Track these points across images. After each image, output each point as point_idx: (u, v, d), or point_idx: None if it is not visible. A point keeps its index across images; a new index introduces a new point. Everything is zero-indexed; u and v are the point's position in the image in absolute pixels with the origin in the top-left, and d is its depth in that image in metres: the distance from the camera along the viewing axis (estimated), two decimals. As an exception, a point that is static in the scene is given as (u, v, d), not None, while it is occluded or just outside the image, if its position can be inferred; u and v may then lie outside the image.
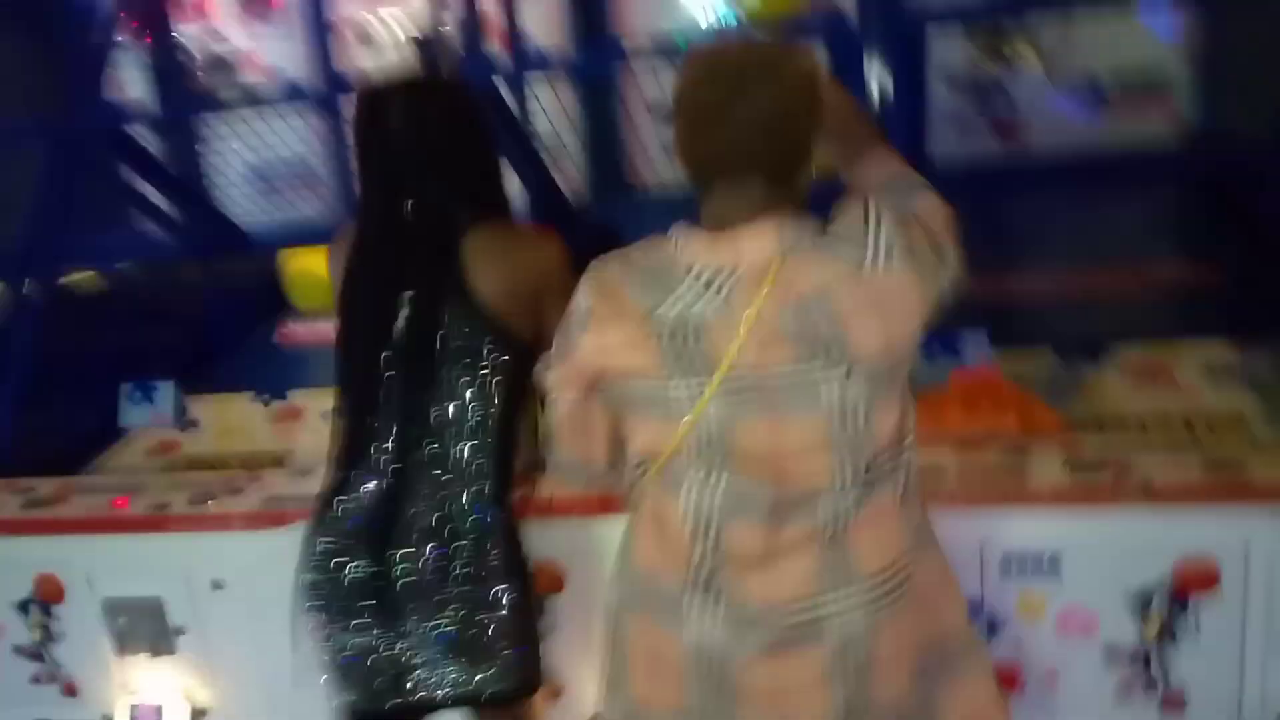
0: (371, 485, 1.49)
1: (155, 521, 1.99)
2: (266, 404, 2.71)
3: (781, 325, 1.16)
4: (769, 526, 1.21)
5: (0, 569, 2.05)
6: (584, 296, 1.27)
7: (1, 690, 2.11)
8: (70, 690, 2.11)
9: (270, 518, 1.90)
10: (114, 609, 2.01)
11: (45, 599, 2.04)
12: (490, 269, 1.49)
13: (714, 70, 1.21)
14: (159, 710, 2.04)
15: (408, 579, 1.48)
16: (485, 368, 1.49)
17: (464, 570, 1.49)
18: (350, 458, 1.51)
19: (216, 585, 1.96)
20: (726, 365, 1.17)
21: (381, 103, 1.54)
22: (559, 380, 1.30)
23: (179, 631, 2.01)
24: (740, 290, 1.18)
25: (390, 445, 1.49)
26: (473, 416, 1.49)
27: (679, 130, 1.23)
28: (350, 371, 1.56)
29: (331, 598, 1.50)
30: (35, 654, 2.08)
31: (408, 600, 1.49)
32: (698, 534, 1.23)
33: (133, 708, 2.06)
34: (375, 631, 1.50)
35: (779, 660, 1.22)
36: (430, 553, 1.48)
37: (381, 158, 1.54)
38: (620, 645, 1.35)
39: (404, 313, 1.50)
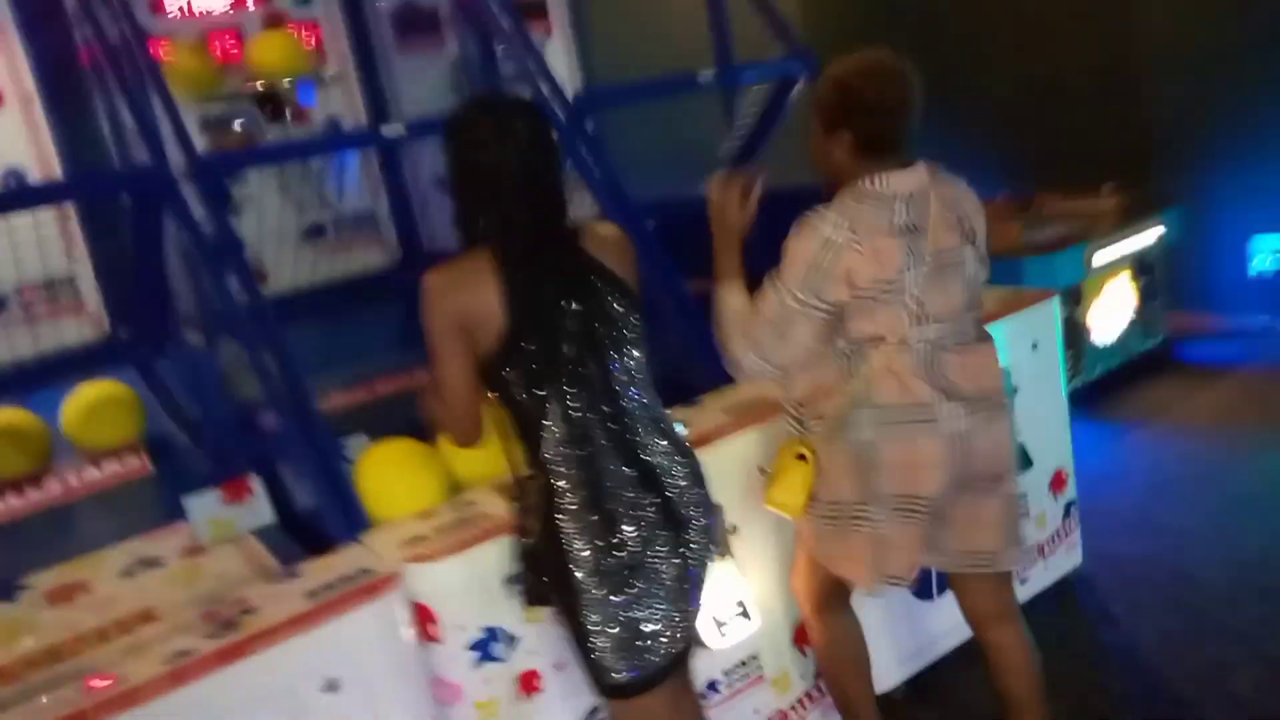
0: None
1: None
2: None
3: (945, 221, 1.91)
4: (961, 348, 1.94)
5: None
6: (827, 232, 1.85)
7: None
8: None
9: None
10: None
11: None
12: (614, 259, 1.77)
13: (893, 74, 1.89)
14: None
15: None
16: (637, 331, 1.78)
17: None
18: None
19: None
20: (933, 249, 1.88)
21: (509, 123, 1.68)
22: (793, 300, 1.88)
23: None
24: (923, 203, 1.89)
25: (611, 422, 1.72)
26: (642, 371, 1.78)
27: (866, 116, 1.88)
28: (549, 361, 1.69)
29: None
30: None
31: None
32: (931, 365, 1.90)
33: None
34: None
35: (994, 425, 1.97)
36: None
37: (528, 177, 1.69)
38: (875, 464, 1.92)
39: (582, 300, 1.71)
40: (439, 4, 4.26)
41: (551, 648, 2.00)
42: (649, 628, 1.71)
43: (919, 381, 1.90)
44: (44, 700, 1.65)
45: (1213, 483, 3.51)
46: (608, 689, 1.75)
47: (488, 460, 2.06)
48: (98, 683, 1.67)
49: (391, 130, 3.00)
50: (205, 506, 2.40)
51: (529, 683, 2.00)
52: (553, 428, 1.69)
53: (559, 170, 1.75)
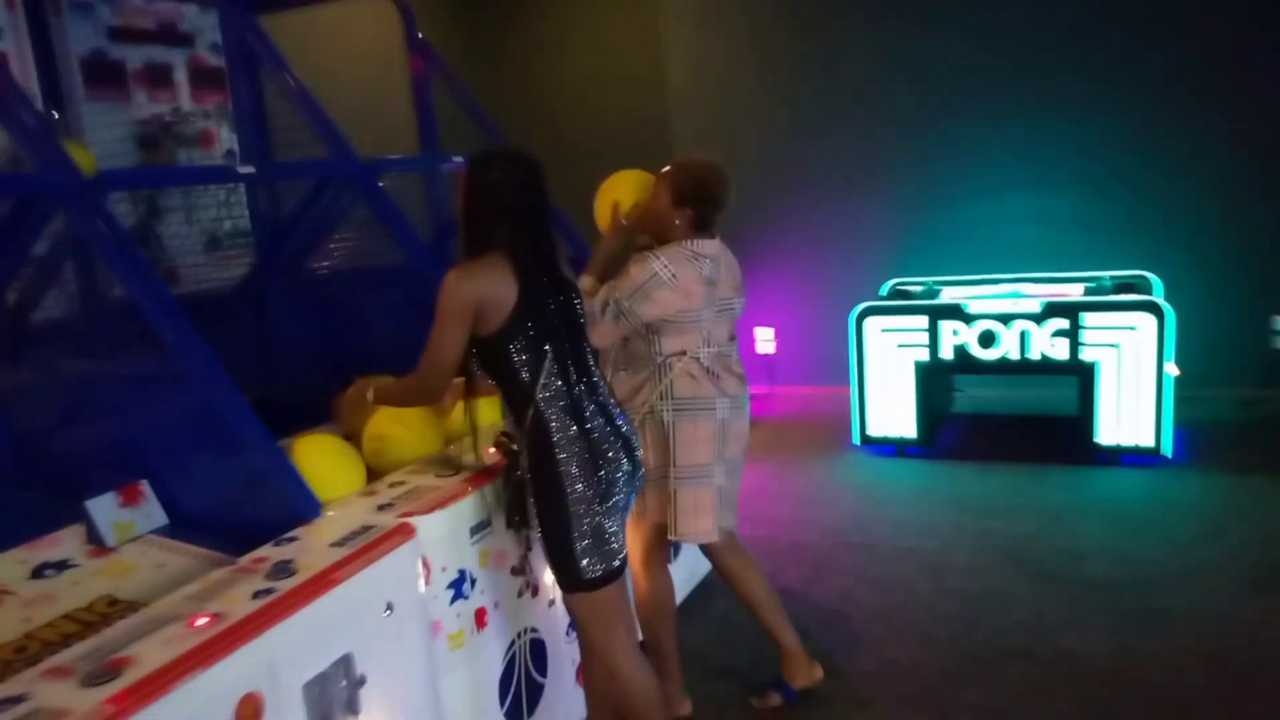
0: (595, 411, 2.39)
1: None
2: None
3: (729, 279, 2.90)
4: (729, 364, 2.92)
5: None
6: (656, 268, 2.75)
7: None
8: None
9: None
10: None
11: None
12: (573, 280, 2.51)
13: (728, 180, 2.87)
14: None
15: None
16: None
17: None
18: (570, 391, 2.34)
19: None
20: (720, 296, 2.85)
21: (535, 170, 2.36)
22: (617, 306, 2.76)
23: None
24: (718, 265, 2.85)
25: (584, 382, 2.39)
26: (594, 358, 2.50)
27: (707, 203, 2.84)
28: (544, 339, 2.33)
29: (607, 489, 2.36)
30: None
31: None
32: (711, 371, 2.84)
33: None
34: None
35: (742, 417, 2.96)
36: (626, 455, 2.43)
37: (532, 208, 2.34)
38: (681, 437, 2.84)
39: (562, 299, 2.40)
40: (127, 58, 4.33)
41: (494, 588, 2.54)
42: (611, 534, 2.37)
43: (705, 382, 2.84)
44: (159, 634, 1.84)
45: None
46: (584, 583, 2.36)
47: (412, 444, 2.71)
48: (201, 620, 1.89)
49: (244, 169, 3.30)
50: (105, 509, 2.48)
51: (481, 618, 2.51)
52: (546, 385, 2.31)
53: (549, 206, 2.40)
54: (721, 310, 2.87)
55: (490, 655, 2.55)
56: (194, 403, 2.49)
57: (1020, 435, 5.63)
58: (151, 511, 2.58)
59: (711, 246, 2.84)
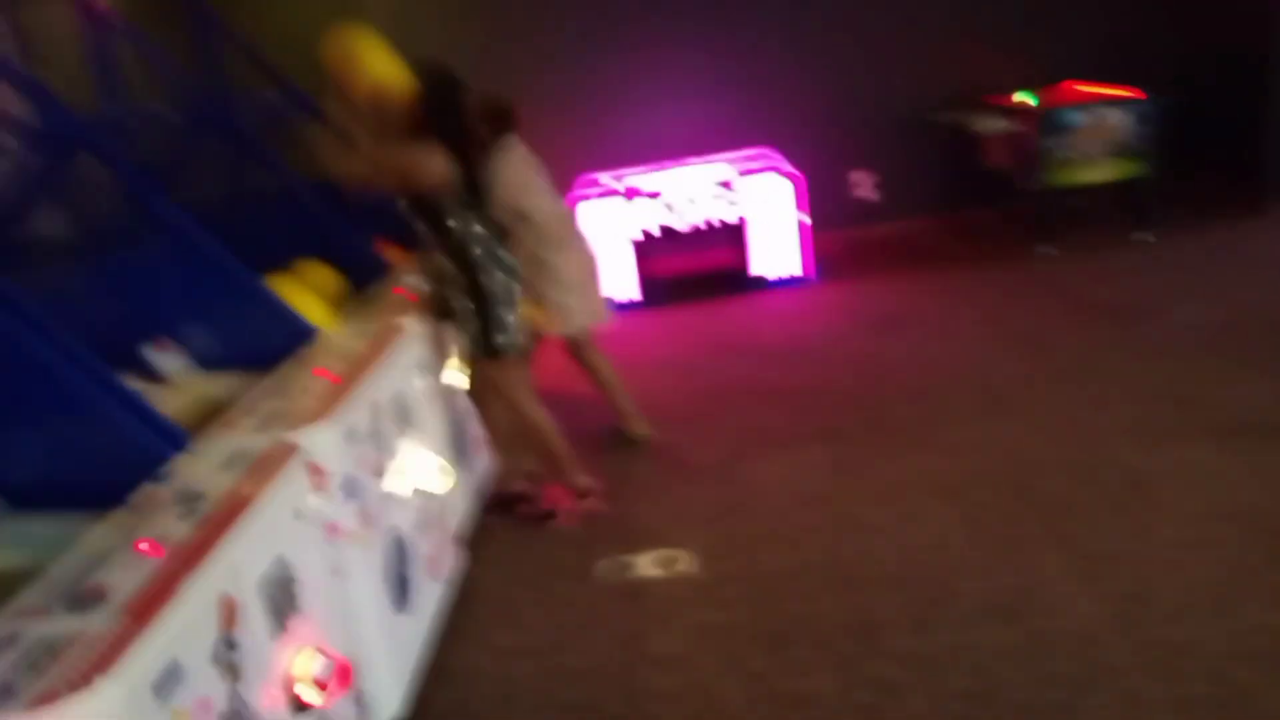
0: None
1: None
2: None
3: None
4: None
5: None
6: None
7: None
8: None
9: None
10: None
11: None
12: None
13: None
14: None
15: None
16: None
17: None
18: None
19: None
20: None
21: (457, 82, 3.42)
22: None
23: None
24: None
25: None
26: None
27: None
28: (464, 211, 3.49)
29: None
30: None
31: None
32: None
33: None
34: None
35: None
36: None
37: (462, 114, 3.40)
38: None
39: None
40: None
41: (365, 490, 2.70)
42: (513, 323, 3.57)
43: None
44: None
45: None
46: (496, 349, 3.53)
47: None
48: (142, 545, 1.93)
49: None
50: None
51: (366, 515, 2.66)
52: (468, 237, 3.45)
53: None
54: None
55: (372, 550, 2.72)
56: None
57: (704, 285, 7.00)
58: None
59: None
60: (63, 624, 1.71)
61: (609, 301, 4.44)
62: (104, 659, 1.59)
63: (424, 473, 3.13)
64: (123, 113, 4.02)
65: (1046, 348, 5.08)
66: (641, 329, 6.37)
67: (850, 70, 7.50)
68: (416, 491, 3.08)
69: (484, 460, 4.15)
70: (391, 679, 2.70)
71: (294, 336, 3.19)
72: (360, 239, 4.13)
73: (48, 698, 1.51)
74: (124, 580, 1.83)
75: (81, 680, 1.54)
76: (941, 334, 5.54)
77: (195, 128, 4.02)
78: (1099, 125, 6.42)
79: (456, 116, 3.38)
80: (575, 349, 4.38)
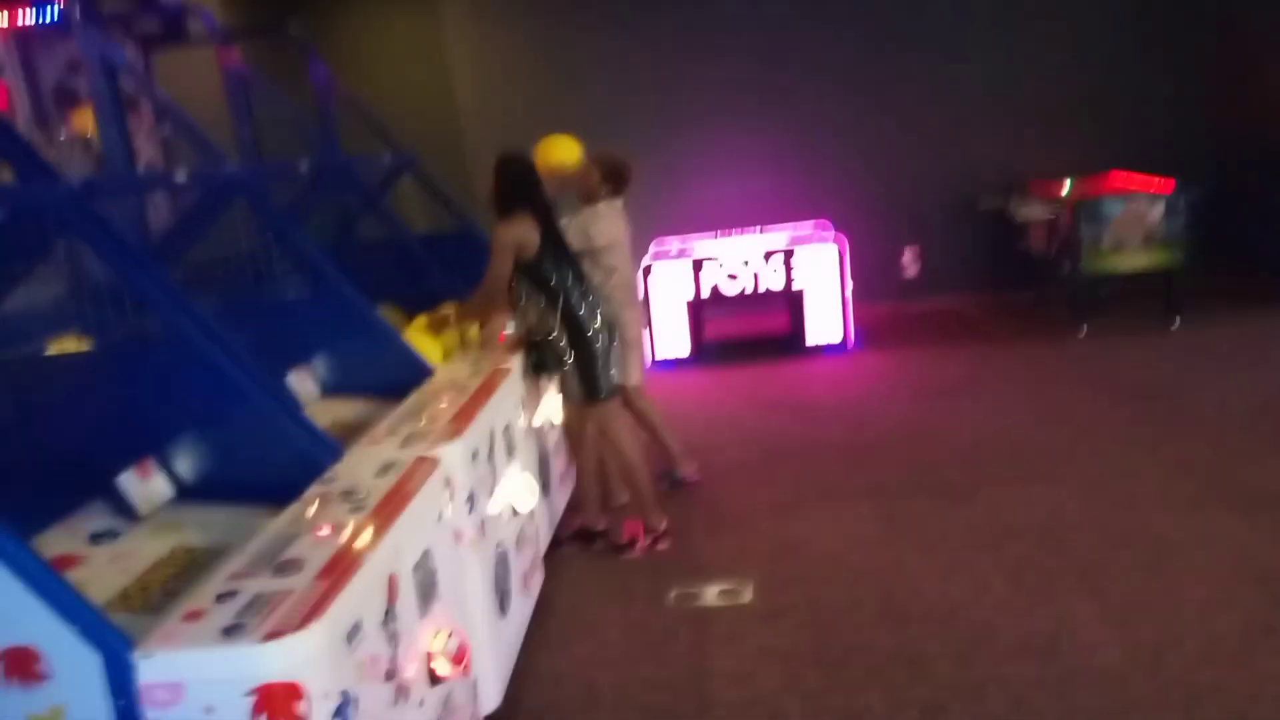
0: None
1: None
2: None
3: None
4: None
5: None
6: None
7: None
8: None
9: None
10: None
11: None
12: None
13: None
14: None
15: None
16: None
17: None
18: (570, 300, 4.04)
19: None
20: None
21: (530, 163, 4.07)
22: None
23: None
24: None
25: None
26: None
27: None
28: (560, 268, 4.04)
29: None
30: None
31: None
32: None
33: None
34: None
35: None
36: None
37: (536, 184, 4.02)
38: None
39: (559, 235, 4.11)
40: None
41: (482, 506, 3.08)
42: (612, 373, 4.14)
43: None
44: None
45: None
46: (598, 392, 4.09)
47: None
48: (323, 532, 2.31)
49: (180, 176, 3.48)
50: (132, 483, 2.71)
51: (482, 527, 3.03)
52: (567, 291, 4.00)
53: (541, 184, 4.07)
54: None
55: (485, 558, 3.09)
56: (200, 377, 2.75)
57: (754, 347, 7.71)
58: (162, 485, 2.82)
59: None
60: (272, 583, 2.08)
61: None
62: (312, 609, 1.96)
63: (523, 496, 3.50)
64: (262, 164, 4.52)
65: (1081, 421, 5.41)
66: (695, 386, 6.83)
67: (901, 153, 8.09)
68: (516, 513, 3.45)
69: (564, 493, 4.53)
70: (494, 675, 3.04)
71: (411, 370, 3.60)
72: (456, 284, 4.59)
73: (276, 633, 1.88)
74: (314, 555, 2.20)
75: (300, 622, 1.91)
76: (981, 404, 5.89)
77: (319, 180, 4.49)
78: (1135, 215, 6.81)
79: (534, 189, 4.01)
80: (628, 398, 4.69)
